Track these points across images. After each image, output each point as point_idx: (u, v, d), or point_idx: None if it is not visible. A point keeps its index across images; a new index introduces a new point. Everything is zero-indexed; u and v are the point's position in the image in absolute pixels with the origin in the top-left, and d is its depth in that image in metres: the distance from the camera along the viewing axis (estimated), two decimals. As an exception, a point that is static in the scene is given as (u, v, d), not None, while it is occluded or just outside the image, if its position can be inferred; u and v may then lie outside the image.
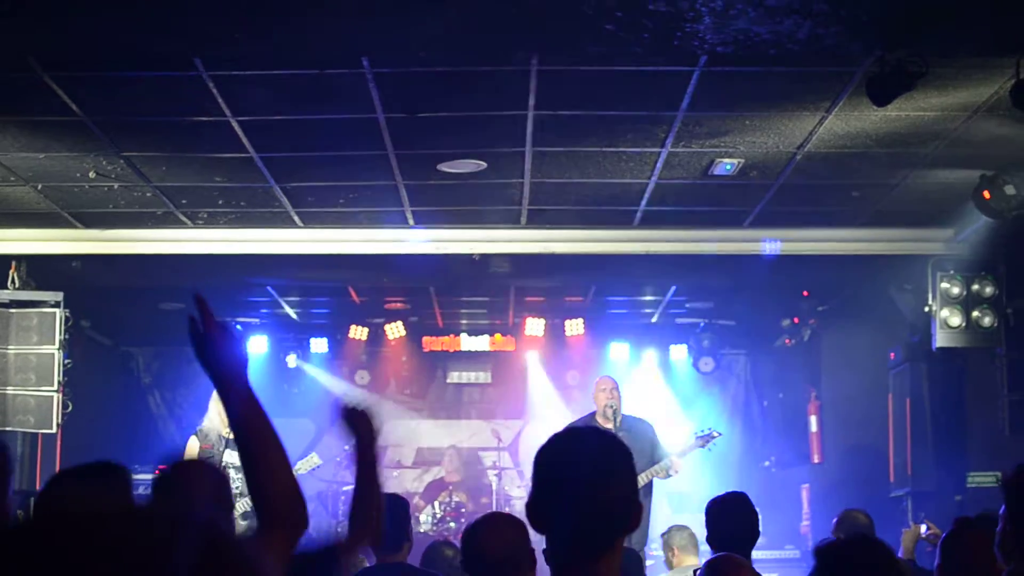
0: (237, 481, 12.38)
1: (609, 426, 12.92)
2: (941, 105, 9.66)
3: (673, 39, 8.25)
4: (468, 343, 19.28)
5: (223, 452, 12.71)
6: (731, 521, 7.54)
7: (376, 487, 4.75)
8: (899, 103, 9.02)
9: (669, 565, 10.31)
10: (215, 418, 12.84)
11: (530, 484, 3.41)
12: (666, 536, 10.65)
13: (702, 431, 13.82)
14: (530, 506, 3.37)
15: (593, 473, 3.30)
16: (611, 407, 13.07)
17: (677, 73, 9.12)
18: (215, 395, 12.70)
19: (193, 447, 12.69)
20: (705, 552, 8.41)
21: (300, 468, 13.64)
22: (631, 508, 3.34)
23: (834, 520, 9.71)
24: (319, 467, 14.52)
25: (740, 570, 6.34)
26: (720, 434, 13.90)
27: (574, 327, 18.48)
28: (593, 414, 13.44)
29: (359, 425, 4.75)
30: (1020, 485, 5.35)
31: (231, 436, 12.47)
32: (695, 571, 6.96)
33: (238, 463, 11.90)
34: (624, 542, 3.45)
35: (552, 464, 3.36)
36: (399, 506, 8.70)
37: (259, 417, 3.72)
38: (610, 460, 3.36)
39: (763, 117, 10.06)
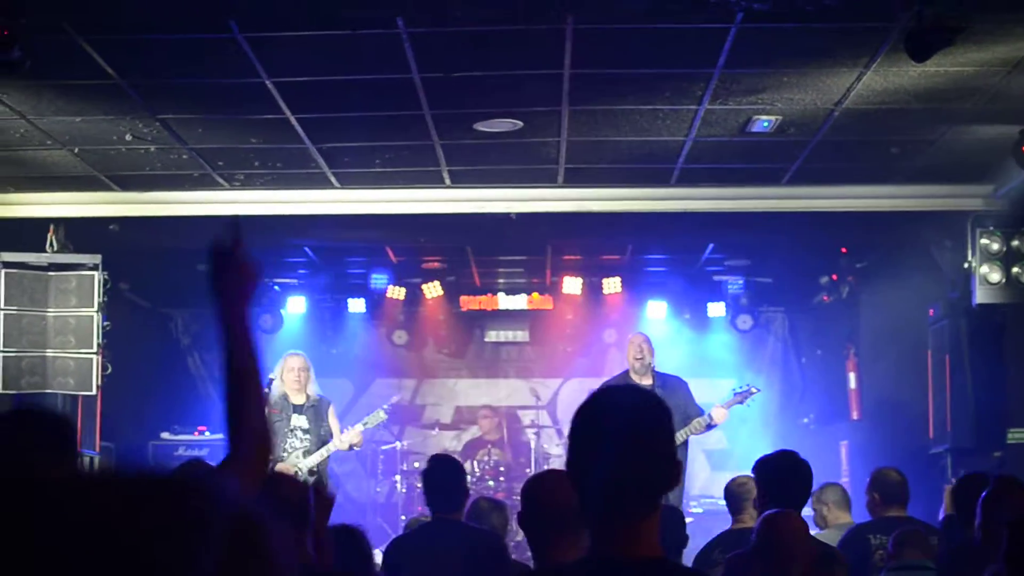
0: (305, 442, 13.21)
1: (645, 382, 12.94)
2: (980, 60, 9.57)
3: (710, -4, 8.24)
4: (505, 302, 19.23)
5: (290, 416, 13.07)
6: (782, 479, 7.49)
7: (253, 364, 3.79)
8: (938, 59, 8.95)
9: (823, 523, 10.20)
10: (279, 383, 13.35)
11: (567, 443, 3.40)
12: (818, 494, 10.55)
13: (740, 387, 13.82)
14: (571, 465, 3.35)
15: (631, 431, 3.29)
16: (639, 360, 13.09)
17: (714, 30, 9.06)
18: (282, 360, 13.34)
19: None
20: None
21: (369, 422, 14.01)
22: (670, 465, 3.34)
23: (867, 481, 9.67)
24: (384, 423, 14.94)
25: (797, 527, 6.31)
26: (759, 390, 13.89)
27: (611, 285, 18.42)
28: (627, 372, 13.46)
29: (230, 274, 3.81)
30: None
31: (299, 401, 12.65)
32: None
33: (306, 425, 12.42)
34: (663, 500, 3.43)
35: (589, 422, 3.35)
36: (454, 466, 9.03)
37: (252, 355, 3.72)
38: (648, 417, 3.35)
39: (800, 74, 9.99)
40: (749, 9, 8.52)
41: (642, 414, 3.35)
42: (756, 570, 6.19)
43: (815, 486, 7.98)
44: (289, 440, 13.18)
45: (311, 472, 13.05)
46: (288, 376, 13.36)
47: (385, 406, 14.57)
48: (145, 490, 1.56)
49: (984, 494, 6.58)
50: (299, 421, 13.26)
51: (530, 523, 5.28)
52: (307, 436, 13.25)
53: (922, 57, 8.70)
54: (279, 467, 12.82)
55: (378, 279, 18.46)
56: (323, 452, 13.25)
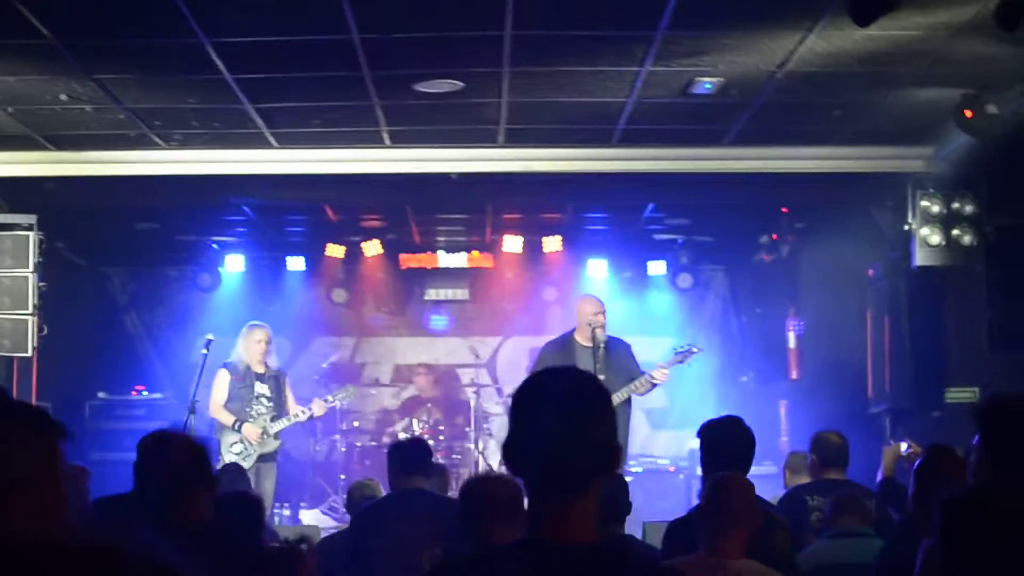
0: (269, 408, 13.67)
1: (588, 345, 12.91)
2: (924, 24, 9.52)
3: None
4: (446, 260, 19.20)
5: (252, 384, 13.61)
6: (727, 443, 7.50)
7: None
8: (881, 22, 8.93)
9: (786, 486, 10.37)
10: (242, 352, 13.78)
11: (507, 426, 3.36)
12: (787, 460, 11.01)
13: (681, 346, 13.79)
14: (507, 448, 3.32)
15: (572, 415, 3.25)
16: (593, 327, 13.04)
17: (656, -8, 9.00)
18: (244, 331, 13.75)
19: (223, 379, 13.70)
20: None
21: (337, 398, 14.74)
22: (611, 450, 3.29)
23: (809, 443, 9.70)
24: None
25: (744, 486, 6.31)
26: (700, 349, 13.87)
27: (552, 244, 18.38)
28: (572, 331, 13.40)
29: None
30: (994, 415, 5.33)
31: (261, 371, 13.34)
32: None
33: (268, 393, 12.65)
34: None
35: (530, 406, 3.31)
36: (420, 443, 9.53)
37: None
38: (589, 401, 3.30)
39: (743, 36, 9.93)
40: (693, -28, 8.47)
41: (582, 398, 3.31)
42: (702, 532, 6.17)
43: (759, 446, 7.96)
44: (255, 406, 13.60)
45: (275, 436, 13.62)
46: (255, 348, 13.74)
47: (351, 387, 15.25)
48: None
49: (917, 463, 6.57)
50: (262, 389, 13.68)
51: (471, 518, 5.33)
52: (270, 404, 13.68)
53: (865, 21, 8.68)
54: (246, 428, 13.43)
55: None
56: (287, 421, 13.73)
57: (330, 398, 14.46)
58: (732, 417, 7.78)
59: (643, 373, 13.08)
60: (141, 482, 5.37)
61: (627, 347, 13.35)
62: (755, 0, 9.17)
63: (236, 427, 13.44)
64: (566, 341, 13.36)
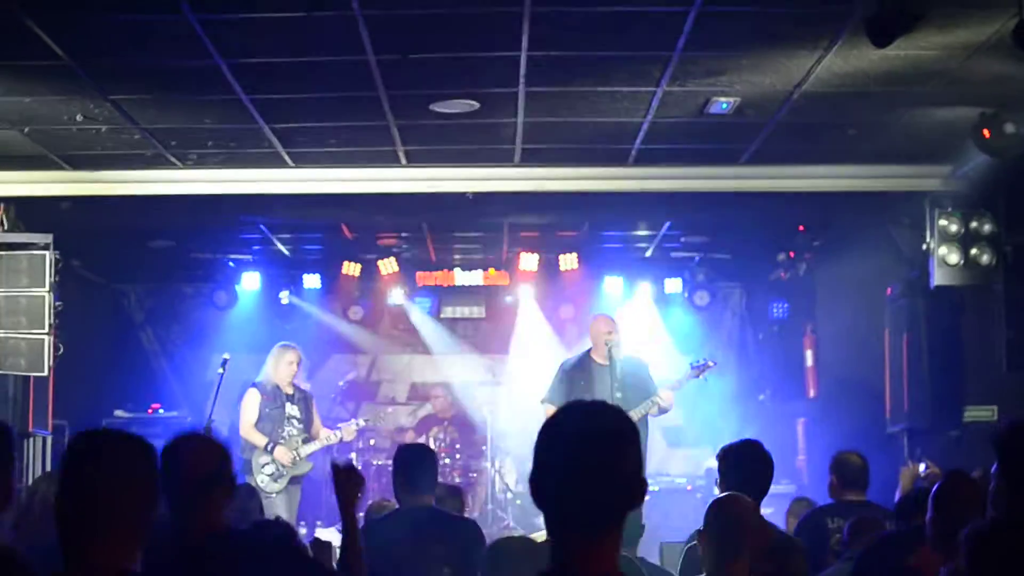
0: (300, 430, 13.82)
1: (605, 363, 12.90)
2: (941, 44, 9.49)
3: (670, -20, 8.17)
4: (462, 278, 19.16)
5: (283, 405, 13.69)
6: (745, 468, 7.52)
7: (357, 534, 6.23)
8: (898, 42, 8.88)
9: None
10: (272, 372, 13.78)
11: (535, 458, 3.35)
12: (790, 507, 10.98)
13: (697, 361, 13.80)
14: (533, 482, 3.31)
15: (601, 451, 3.24)
16: (609, 345, 13.02)
17: (673, 13, 8.95)
18: (275, 351, 13.72)
19: (254, 399, 13.69)
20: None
21: (365, 422, 15.20)
22: (637, 485, 3.29)
23: (829, 463, 9.65)
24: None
25: (745, 509, 6.30)
26: (715, 363, 13.88)
27: (568, 261, 18.34)
28: (588, 351, 13.41)
29: (345, 483, 6.22)
30: (1013, 442, 5.29)
31: (290, 392, 13.45)
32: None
33: (299, 415, 12.65)
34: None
35: (558, 440, 3.30)
36: (425, 453, 8.99)
37: (358, 536, 6.19)
38: (618, 437, 3.29)
39: (760, 56, 9.90)
40: (710, -8, 8.45)
41: (610, 433, 3.30)
42: (706, 556, 6.18)
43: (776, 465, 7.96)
44: (286, 428, 13.67)
45: (306, 459, 13.77)
46: (286, 370, 13.80)
47: (419, 413, 15.17)
48: None
49: (935, 489, 6.53)
50: (292, 410, 13.75)
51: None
52: (300, 426, 13.77)
53: (883, 42, 8.63)
54: (279, 451, 13.48)
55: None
56: (317, 444, 13.84)
57: (361, 422, 14.73)
58: (751, 441, 7.83)
59: (658, 391, 13.10)
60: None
61: (644, 365, 13.36)
62: (773, 21, 9.11)
63: (269, 449, 13.46)
64: (583, 360, 13.38)
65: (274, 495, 13.46)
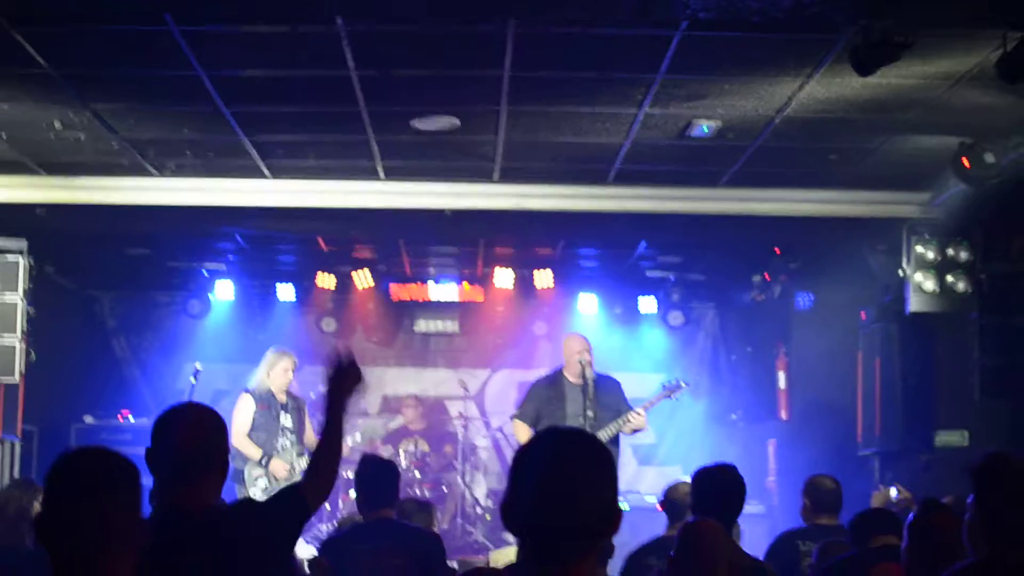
0: (293, 442, 13.29)
1: (578, 382, 12.89)
2: (924, 73, 9.54)
3: (656, 4, 8.16)
4: (436, 292, 19.12)
5: (278, 416, 13.19)
6: (718, 491, 7.53)
7: (339, 436, 5.44)
8: (882, 71, 8.88)
9: None
10: (265, 379, 13.29)
11: (508, 484, 3.33)
12: None
13: (669, 381, 13.82)
14: (505, 507, 3.29)
15: (576, 479, 3.22)
16: (582, 364, 13.02)
17: (657, 37, 8.99)
18: (270, 357, 13.26)
19: (248, 406, 13.15)
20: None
21: (359, 439, 15.03)
22: (612, 513, 3.26)
23: (802, 486, 9.64)
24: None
25: (714, 534, 6.31)
26: (688, 384, 13.89)
27: (543, 279, 18.31)
28: (561, 369, 13.39)
29: (344, 376, 5.62)
30: (989, 474, 5.28)
31: (284, 400, 12.95)
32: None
33: (291, 426, 12.20)
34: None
35: (533, 467, 3.27)
36: (387, 466, 8.94)
37: (341, 435, 5.43)
38: (594, 465, 3.27)
39: (742, 82, 9.94)
40: (694, 18, 8.44)
41: (587, 461, 3.28)
42: None
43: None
44: (280, 439, 13.18)
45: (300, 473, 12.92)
46: (281, 378, 13.36)
47: (391, 425, 14.77)
48: None
49: (910, 517, 6.53)
50: (285, 420, 13.24)
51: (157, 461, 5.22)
52: (294, 436, 13.27)
53: (867, 71, 8.65)
54: (274, 464, 12.96)
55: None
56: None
57: (357, 436, 14.81)
58: (726, 465, 7.84)
59: (632, 409, 13.09)
60: (150, 462, 5.00)
61: (616, 384, 13.34)
62: (757, 47, 9.14)
63: (263, 463, 12.97)
64: (555, 378, 13.36)
65: None
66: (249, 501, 5.72)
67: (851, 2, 8.21)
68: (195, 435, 5.04)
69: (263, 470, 12.92)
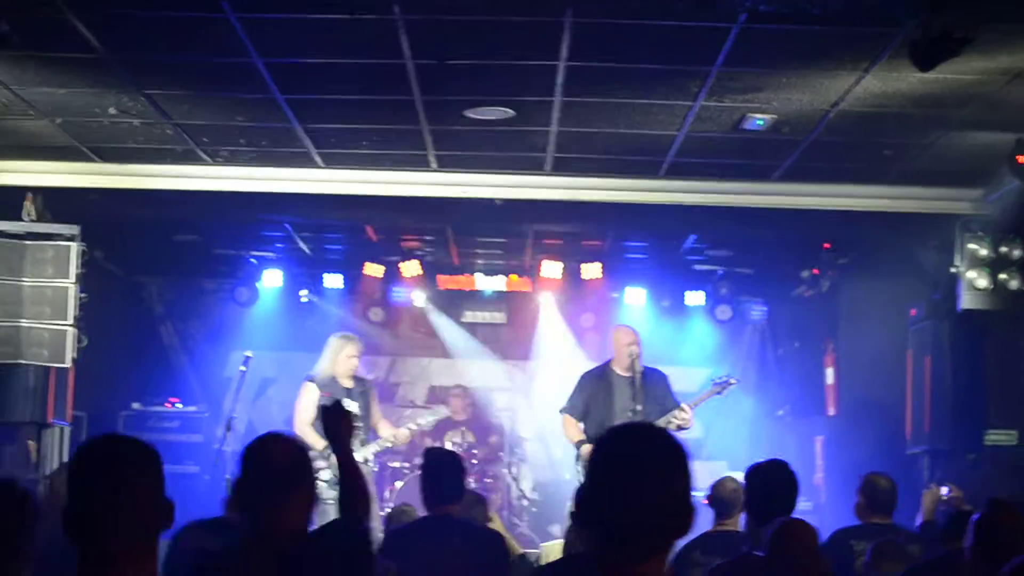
0: (359, 429, 12.91)
1: (627, 375, 12.90)
2: (982, 68, 9.47)
3: (716, -3, 8.16)
4: (483, 283, 19.11)
5: (341, 401, 12.65)
6: (772, 488, 7.49)
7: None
8: (939, 66, 8.84)
9: None
10: (329, 367, 13.17)
11: (584, 479, 3.34)
12: None
13: (719, 377, 13.81)
14: (582, 502, 3.31)
15: (655, 474, 3.22)
16: (631, 357, 13.02)
17: (715, 29, 8.94)
18: (334, 343, 13.11)
19: (311, 395, 13.04)
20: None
21: (424, 424, 14.21)
22: (687, 510, 3.25)
23: (858, 484, 9.60)
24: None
25: (813, 536, 6.31)
26: (738, 380, 13.87)
27: (591, 271, 18.28)
28: (609, 362, 13.39)
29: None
30: None
31: (349, 386, 12.79)
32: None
33: (357, 412, 11.91)
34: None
35: (612, 461, 3.28)
36: (454, 460, 8.73)
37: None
38: (673, 461, 3.26)
39: (799, 75, 9.89)
40: (754, 10, 8.41)
41: (666, 457, 3.27)
42: None
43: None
44: None
45: (366, 462, 12.86)
46: (346, 363, 13.19)
47: (442, 409, 14.84)
48: None
49: (977, 517, 6.51)
50: (351, 407, 12.31)
51: (249, 489, 5.26)
52: (360, 424, 12.93)
53: (927, 67, 8.59)
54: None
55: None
56: (377, 446, 13.21)
57: (421, 422, 14.04)
58: (778, 461, 7.80)
59: (678, 404, 13.09)
60: (239, 491, 5.19)
61: (664, 378, 13.36)
62: (814, 39, 9.08)
63: (326, 453, 12.13)
64: (604, 371, 13.37)
65: (332, 502, 12.61)
66: (331, 528, 5.69)
67: (912, -5, 8.17)
68: (284, 464, 5.12)
69: (326, 461, 12.39)
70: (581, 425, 13.34)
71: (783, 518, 6.53)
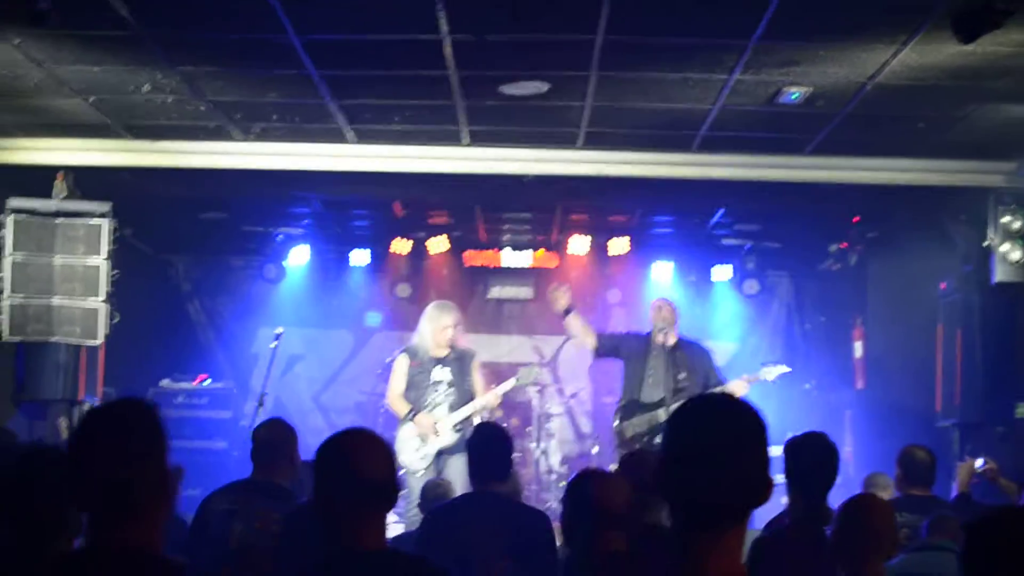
0: (450, 396, 12.77)
1: (666, 345, 13.03)
2: (1020, 41, 9.42)
3: (757, -31, 8.14)
4: (510, 258, 19.12)
5: (431, 370, 12.72)
6: (812, 461, 7.48)
7: None
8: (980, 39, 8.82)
9: None
10: (427, 337, 12.93)
11: (662, 452, 3.34)
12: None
13: (770, 361, 13.94)
14: (662, 474, 3.31)
15: (733, 445, 3.25)
16: (660, 328, 13.13)
17: (754, 2, 8.91)
18: (431, 312, 12.95)
19: (402, 366, 12.88)
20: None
21: (521, 379, 13.66)
22: (765, 480, 3.28)
23: (896, 455, 9.60)
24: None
25: (885, 512, 6.30)
26: (790, 369, 13.94)
27: (619, 246, 18.30)
28: (650, 333, 13.51)
29: None
30: None
31: (442, 354, 12.54)
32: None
33: (450, 378, 12.05)
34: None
35: (690, 433, 3.31)
36: (501, 435, 8.45)
37: None
38: (750, 431, 3.29)
39: (837, 48, 9.85)
40: (795, -19, 8.40)
41: (743, 427, 3.30)
42: (841, 557, 6.15)
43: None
44: (431, 395, 12.71)
45: (456, 429, 12.60)
46: (443, 334, 12.86)
47: (535, 367, 14.17)
48: None
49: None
50: (442, 374, 12.79)
51: (573, 522, 5.17)
52: (451, 390, 12.75)
53: (969, 38, 8.58)
54: (418, 418, 12.51)
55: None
56: (469, 408, 12.73)
57: (514, 381, 13.45)
58: (817, 433, 7.76)
59: (722, 380, 13.18)
60: (320, 496, 4.69)
61: (707, 352, 13.54)
62: (853, 12, 9.05)
63: (409, 417, 12.55)
64: (646, 338, 13.53)
65: (420, 473, 12.51)
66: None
67: (955, -33, 8.15)
68: (370, 468, 4.64)
69: (412, 429, 12.50)
70: (597, 342, 13.88)
71: (861, 494, 6.53)
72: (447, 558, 7.07)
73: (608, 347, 13.69)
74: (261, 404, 13.59)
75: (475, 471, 8.18)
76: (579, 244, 18.32)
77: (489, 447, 8.25)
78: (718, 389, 12.96)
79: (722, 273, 19.18)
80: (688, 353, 13.22)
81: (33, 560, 4.33)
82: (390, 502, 4.68)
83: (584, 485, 6.30)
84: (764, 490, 3.28)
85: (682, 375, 12.98)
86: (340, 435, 4.75)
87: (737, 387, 13.16)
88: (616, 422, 13.56)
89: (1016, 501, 10.23)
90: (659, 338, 13.29)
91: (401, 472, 12.38)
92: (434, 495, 10.08)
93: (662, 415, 13.07)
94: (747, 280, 19.01)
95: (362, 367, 18.53)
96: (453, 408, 12.69)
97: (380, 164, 13.35)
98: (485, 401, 12.83)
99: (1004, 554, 3.99)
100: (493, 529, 7.75)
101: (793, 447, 7.74)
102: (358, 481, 4.58)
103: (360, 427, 4.86)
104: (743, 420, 3.30)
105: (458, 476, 11.29)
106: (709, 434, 3.26)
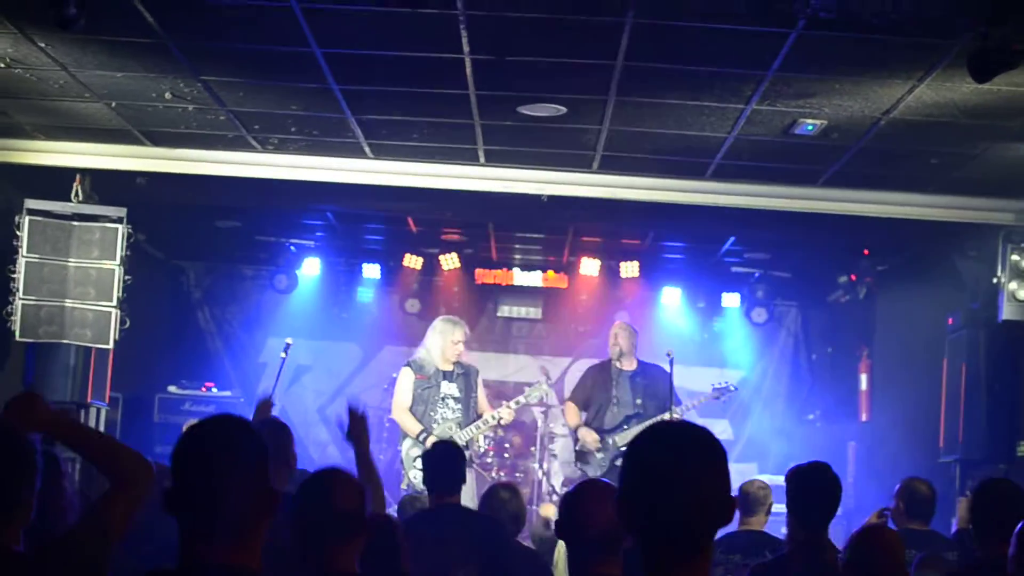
0: (457, 412, 12.78)
1: (628, 370, 13.21)
2: (1035, 81, 9.52)
3: (778, 2, 8.19)
4: (520, 278, 19.18)
5: (439, 384, 12.70)
6: (814, 491, 7.51)
7: (372, 465, 6.88)
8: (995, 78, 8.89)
9: None
10: (434, 351, 12.88)
11: (621, 480, 3.37)
12: None
13: (720, 383, 14.06)
14: (624, 502, 3.31)
15: (694, 469, 3.25)
16: (617, 356, 13.44)
17: (773, 34, 8.98)
18: (440, 326, 12.87)
19: (407, 380, 12.79)
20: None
21: (530, 397, 13.81)
22: (728, 501, 3.30)
23: (896, 488, 9.63)
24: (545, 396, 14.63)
25: (898, 542, 6.35)
26: (736, 389, 14.12)
27: (629, 269, 18.36)
28: (610, 360, 13.72)
29: (352, 425, 7.05)
30: None
31: (449, 368, 12.47)
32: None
33: (457, 394, 12.04)
34: None
35: (650, 460, 3.31)
36: (455, 452, 9.09)
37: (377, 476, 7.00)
38: (709, 455, 3.30)
39: (853, 82, 9.93)
40: (814, 17, 8.46)
41: (702, 451, 3.30)
42: None
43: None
44: (440, 410, 12.71)
45: (466, 445, 12.47)
46: (451, 349, 12.85)
47: (543, 383, 14.12)
48: None
49: (1021, 526, 6.53)
50: (450, 389, 12.81)
51: (569, 538, 5.22)
52: (458, 406, 12.79)
53: (984, 78, 8.61)
54: (430, 441, 12.05)
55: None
56: (479, 425, 12.85)
57: (522, 399, 13.58)
58: (820, 463, 7.79)
59: (678, 403, 13.35)
60: (295, 527, 5.16)
61: (666, 375, 13.59)
62: (871, 47, 9.12)
63: (421, 438, 12.46)
64: (606, 365, 13.83)
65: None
66: None
67: (973, 7, 8.19)
68: (346, 510, 5.15)
69: (421, 448, 12.23)
70: (583, 415, 13.98)
71: (872, 524, 6.56)
72: (416, 569, 7.33)
73: (585, 405, 13.91)
74: (268, 406, 13.62)
75: (433, 486, 8.78)
76: (590, 266, 18.39)
77: (444, 463, 8.85)
78: (676, 412, 13.11)
79: (731, 300, 19.22)
80: (646, 379, 13.40)
81: None
82: (360, 529, 5.19)
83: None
84: (728, 511, 3.30)
85: (639, 400, 13.16)
86: (318, 473, 5.36)
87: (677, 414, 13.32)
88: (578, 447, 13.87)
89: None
90: (617, 364, 13.49)
91: (406, 488, 12.43)
92: (412, 509, 10.18)
93: (619, 440, 13.31)
94: (755, 308, 19.05)
95: (369, 381, 18.57)
96: (462, 425, 12.74)
97: (396, 180, 13.41)
98: (501, 415, 12.92)
99: None
100: (454, 538, 8.15)
101: (795, 476, 7.76)
102: (331, 514, 5.13)
103: (335, 466, 5.49)
104: (699, 444, 3.31)
105: (466, 491, 11.26)
106: (666, 463, 3.26)
